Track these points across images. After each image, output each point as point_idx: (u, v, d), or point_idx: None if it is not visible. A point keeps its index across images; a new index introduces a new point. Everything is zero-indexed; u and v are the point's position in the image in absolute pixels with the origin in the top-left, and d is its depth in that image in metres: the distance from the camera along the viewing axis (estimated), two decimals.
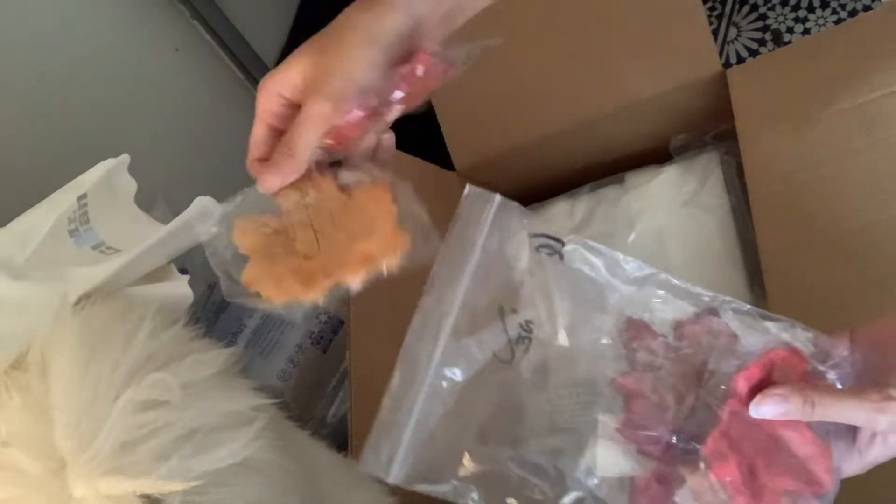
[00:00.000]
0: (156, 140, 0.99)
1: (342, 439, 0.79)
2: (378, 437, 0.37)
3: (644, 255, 0.70)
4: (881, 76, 0.56)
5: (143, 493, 0.34)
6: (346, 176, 0.41)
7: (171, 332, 0.41)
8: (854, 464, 0.39)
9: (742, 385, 0.38)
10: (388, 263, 0.38)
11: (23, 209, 0.47)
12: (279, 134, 0.40)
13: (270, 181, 0.40)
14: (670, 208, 0.71)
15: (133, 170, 0.49)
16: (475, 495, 0.37)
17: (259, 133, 0.41)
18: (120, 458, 0.34)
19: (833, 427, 0.38)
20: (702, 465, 0.38)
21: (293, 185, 0.40)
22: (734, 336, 0.39)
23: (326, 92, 0.38)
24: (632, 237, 0.71)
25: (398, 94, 0.40)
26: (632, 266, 0.39)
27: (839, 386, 0.38)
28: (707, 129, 0.72)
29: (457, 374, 0.38)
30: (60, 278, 0.42)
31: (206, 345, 0.42)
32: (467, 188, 0.39)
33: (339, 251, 0.40)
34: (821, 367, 0.39)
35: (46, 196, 0.48)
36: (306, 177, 0.40)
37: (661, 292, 0.39)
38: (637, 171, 0.75)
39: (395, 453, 0.37)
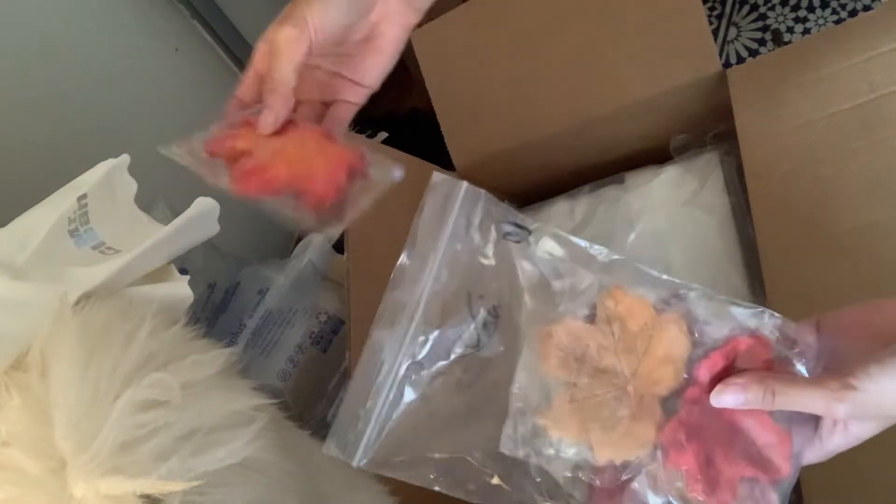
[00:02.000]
0: (156, 140, 0.99)
1: None
2: (343, 423, 0.37)
3: (644, 255, 0.70)
4: (881, 76, 0.56)
5: (143, 493, 0.34)
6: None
7: (171, 332, 0.41)
8: (815, 451, 0.39)
9: (703, 374, 0.38)
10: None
11: (23, 209, 0.47)
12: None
13: (265, 120, 0.43)
14: (670, 208, 0.71)
15: (133, 170, 0.49)
16: (441, 480, 0.37)
17: (247, 77, 0.46)
18: (120, 458, 0.34)
19: (795, 415, 0.37)
20: (658, 453, 0.37)
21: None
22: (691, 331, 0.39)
23: (292, 21, 0.41)
24: (632, 237, 0.71)
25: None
26: (598, 252, 0.39)
27: (805, 373, 0.38)
28: (707, 129, 0.72)
29: (423, 363, 0.38)
30: (60, 278, 0.42)
31: (206, 345, 0.42)
32: (434, 176, 0.40)
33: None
34: (786, 354, 0.38)
35: (46, 196, 0.48)
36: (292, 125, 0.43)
37: (628, 279, 0.39)
38: (637, 171, 0.75)
39: (360, 439, 0.37)
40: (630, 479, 0.38)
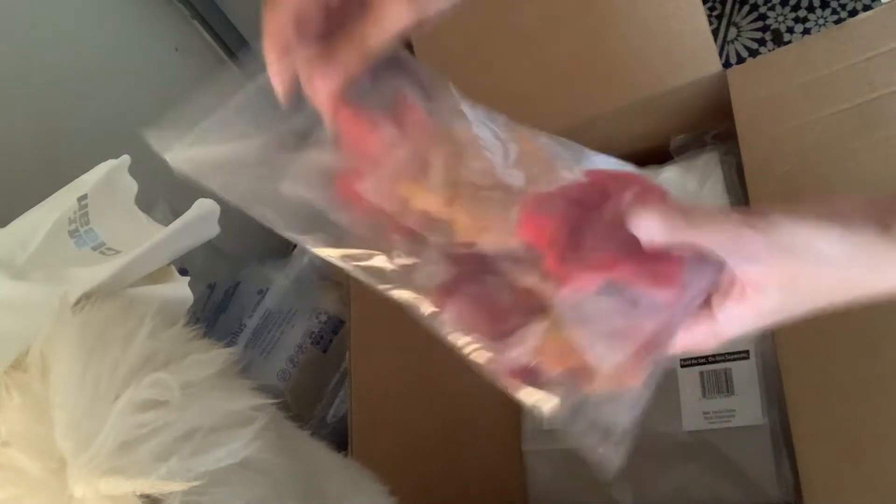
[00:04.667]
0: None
1: (342, 439, 0.79)
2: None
3: None
4: (881, 75, 0.56)
5: (143, 493, 0.34)
6: None
7: (170, 332, 0.41)
8: (702, 325, 0.34)
9: (604, 179, 0.34)
10: None
11: (23, 209, 0.47)
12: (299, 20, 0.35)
13: (332, 78, 0.35)
14: None
15: (134, 171, 0.49)
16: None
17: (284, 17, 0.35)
18: (120, 458, 0.34)
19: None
20: (512, 218, 0.33)
21: None
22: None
23: None
24: None
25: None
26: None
27: None
28: (707, 129, 0.72)
29: None
30: (60, 278, 0.42)
31: (206, 345, 0.42)
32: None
33: None
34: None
35: (46, 196, 0.48)
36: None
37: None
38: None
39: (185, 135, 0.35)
40: (480, 268, 0.33)
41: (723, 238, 0.31)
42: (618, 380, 0.32)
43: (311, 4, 0.35)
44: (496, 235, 0.33)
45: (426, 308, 0.33)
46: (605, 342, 0.31)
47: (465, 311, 0.32)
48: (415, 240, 0.35)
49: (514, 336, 0.32)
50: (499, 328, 0.32)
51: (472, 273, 0.34)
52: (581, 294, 0.31)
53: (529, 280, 0.32)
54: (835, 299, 0.31)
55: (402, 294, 0.34)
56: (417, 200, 0.34)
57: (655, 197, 0.34)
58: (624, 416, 0.32)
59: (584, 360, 0.31)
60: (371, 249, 0.35)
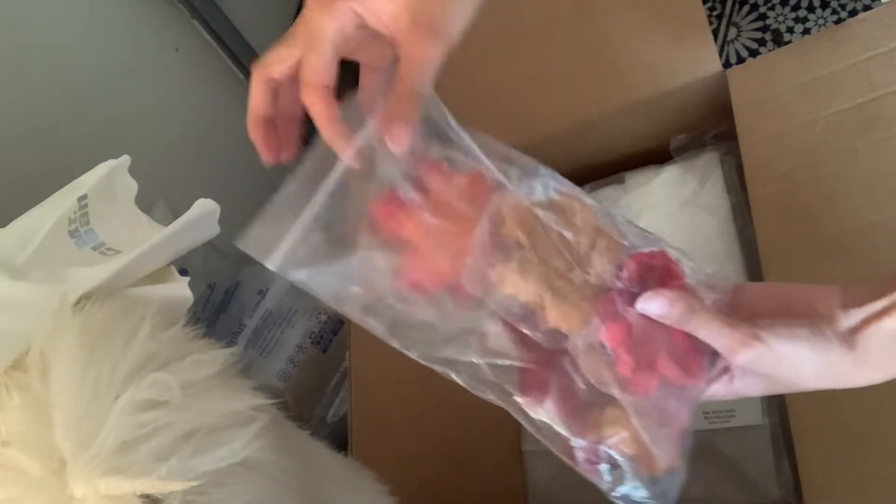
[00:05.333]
0: (156, 141, 0.99)
1: (342, 439, 0.79)
2: (266, 225, 0.37)
3: None
4: (881, 76, 0.56)
5: (143, 493, 0.34)
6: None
7: (170, 332, 0.41)
8: (697, 389, 0.39)
9: (633, 266, 0.38)
10: None
11: (23, 209, 0.47)
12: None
13: (404, 135, 0.36)
14: (670, 208, 0.71)
15: (133, 170, 0.49)
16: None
17: (329, 51, 0.37)
18: (120, 458, 0.34)
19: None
20: (596, 322, 0.37)
21: None
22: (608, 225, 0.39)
23: (439, 32, 0.35)
24: None
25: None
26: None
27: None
28: (707, 129, 0.72)
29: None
30: (60, 278, 0.42)
31: (206, 345, 0.42)
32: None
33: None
34: (700, 288, 0.39)
35: (47, 196, 0.48)
36: None
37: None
38: (637, 171, 0.75)
39: (280, 242, 0.36)
40: (562, 354, 0.37)
41: (722, 345, 0.36)
42: (671, 461, 0.38)
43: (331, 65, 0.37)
44: (576, 328, 0.37)
45: (516, 400, 0.38)
46: (661, 431, 0.37)
47: (553, 403, 0.37)
48: (490, 321, 0.38)
49: (594, 428, 0.37)
50: (579, 418, 0.38)
51: (552, 360, 0.38)
52: (645, 393, 0.37)
53: (607, 374, 0.37)
54: (806, 390, 0.37)
55: (490, 395, 0.39)
56: (511, 286, 0.37)
57: (675, 280, 0.39)
58: (675, 488, 0.39)
59: (648, 448, 0.37)
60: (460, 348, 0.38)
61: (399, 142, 0.36)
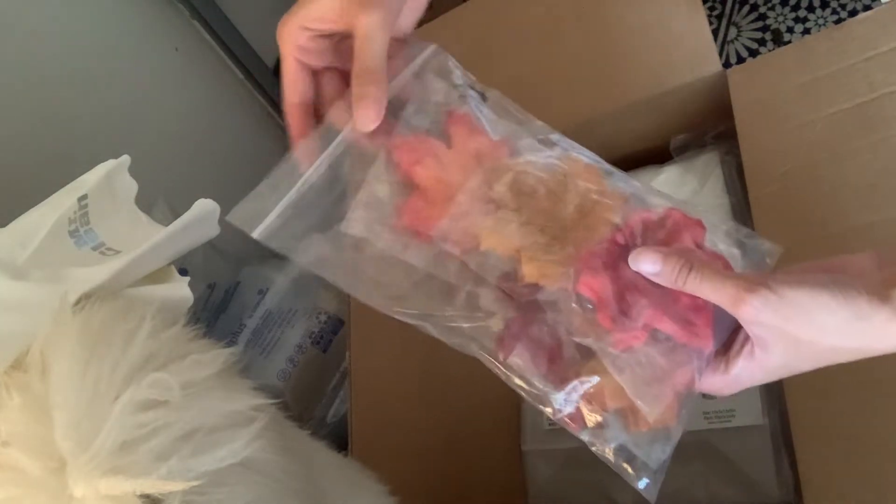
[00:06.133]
0: (156, 140, 0.99)
1: (342, 439, 0.79)
2: (255, 198, 0.38)
3: None
4: (881, 76, 0.56)
5: (143, 493, 0.34)
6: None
7: (170, 332, 0.41)
8: (719, 374, 0.37)
9: (636, 223, 0.37)
10: None
11: (23, 209, 0.47)
12: (311, 73, 0.40)
13: (367, 115, 0.37)
14: None
15: (133, 170, 0.49)
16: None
17: (295, 72, 0.39)
18: (120, 458, 0.34)
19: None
20: (573, 274, 0.36)
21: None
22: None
23: (375, 4, 0.37)
24: None
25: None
26: (541, 128, 0.41)
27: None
28: (707, 129, 0.72)
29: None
30: (60, 278, 0.42)
31: (206, 345, 0.42)
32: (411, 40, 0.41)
33: None
34: (722, 250, 0.38)
35: (47, 196, 0.48)
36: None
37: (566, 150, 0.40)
38: (637, 171, 0.75)
39: (267, 215, 0.38)
40: (541, 309, 0.37)
41: (725, 298, 0.33)
42: (660, 420, 0.35)
43: (296, 50, 0.38)
44: (555, 282, 0.36)
45: (492, 352, 0.37)
46: (650, 388, 0.35)
47: (529, 356, 0.36)
48: (477, 279, 0.38)
49: (572, 380, 0.36)
50: (557, 371, 0.36)
51: (531, 314, 0.37)
52: (630, 346, 0.35)
53: (585, 327, 0.36)
54: (837, 360, 0.33)
55: (470, 347, 0.38)
56: (487, 241, 0.37)
57: (688, 239, 0.37)
58: (663, 451, 0.36)
59: (633, 403, 0.35)
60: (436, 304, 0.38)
61: (364, 122, 0.37)
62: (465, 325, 0.37)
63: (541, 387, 0.36)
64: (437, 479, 0.75)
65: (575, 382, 0.36)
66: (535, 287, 0.37)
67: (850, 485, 0.49)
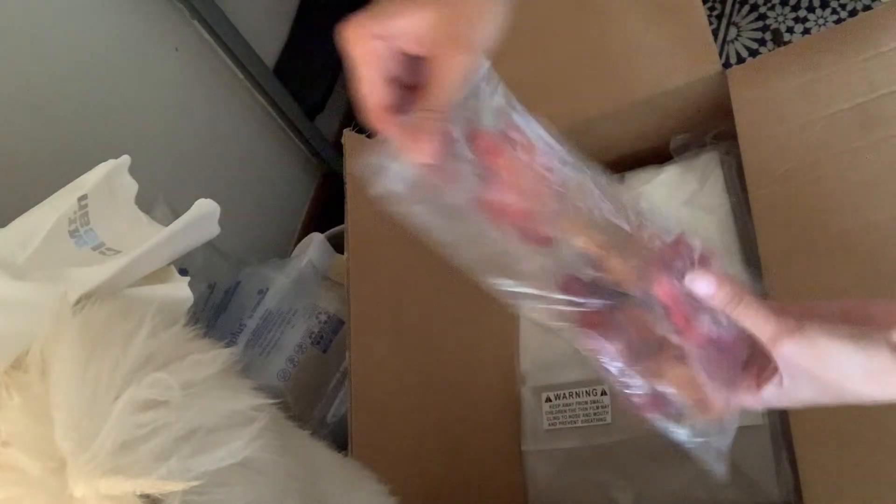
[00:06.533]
0: (156, 141, 0.99)
1: (342, 439, 0.79)
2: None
3: None
4: (881, 76, 0.56)
5: (143, 493, 0.34)
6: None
7: (170, 332, 0.41)
8: (752, 395, 0.40)
9: (682, 243, 0.40)
10: None
11: (23, 209, 0.47)
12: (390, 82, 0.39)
13: (427, 149, 0.37)
14: (670, 208, 0.71)
15: (133, 170, 0.49)
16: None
17: (375, 78, 0.38)
18: (120, 458, 0.34)
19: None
20: (649, 275, 0.39)
21: None
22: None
23: (465, 45, 0.37)
24: None
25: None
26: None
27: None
28: (707, 129, 0.72)
29: None
30: (60, 278, 0.42)
31: (206, 345, 0.42)
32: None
33: None
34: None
35: (47, 196, 0.48)
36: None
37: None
38: (637, 171, 0.75)
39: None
40: (621, 303, 0.40)
41: (766, 334, 0.36)
42: (725, 411, 0.40)
43: (375, 59, 0.38)
44: (632, 283, 0.40)
45: (578, 334, 0.40)
46: (717, 381, 0.39)
47: (613, 341, 0.40)
48: (561, 263, 0.41)
49: (652, 369, 0.40)
50: (638, 360, 0.40)
51: (614, 306, 0.40)
52: (699, 345, 0.39)
53: (662, 324, 0.39)
54: (860, 402, 0.36)
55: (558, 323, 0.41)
56: (575, 238, 0.40)
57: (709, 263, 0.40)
58: (726, 439, 0.41)
59: (704, 394, 0.39)
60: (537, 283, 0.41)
61: (421, 155, 0.37)
62: (553, 305, 0.40)
63: (621, 373, 0.40)
64: (437, 480, 0.75)
65: (660, 373, 0.39)
66: (618, 283, 0.40)
67: (850, 485, 0.49)
